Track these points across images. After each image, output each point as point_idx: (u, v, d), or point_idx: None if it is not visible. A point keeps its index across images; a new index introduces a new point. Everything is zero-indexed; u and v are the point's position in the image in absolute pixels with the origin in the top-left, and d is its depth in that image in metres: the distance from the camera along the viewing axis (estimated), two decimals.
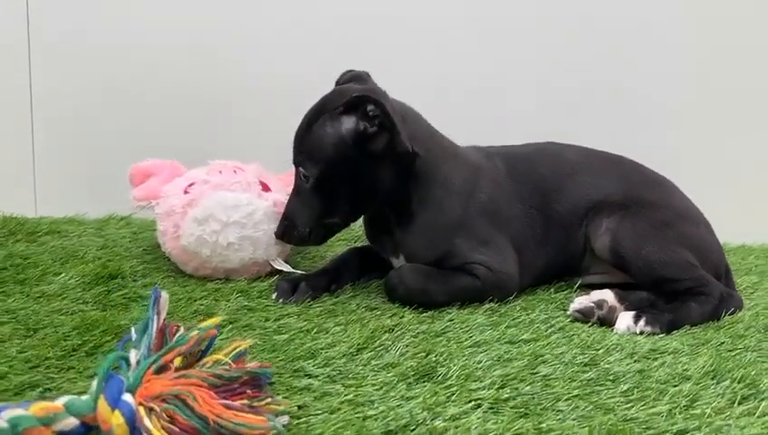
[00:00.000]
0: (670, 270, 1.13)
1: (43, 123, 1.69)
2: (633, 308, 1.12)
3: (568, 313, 1.11)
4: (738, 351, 1.01)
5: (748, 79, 1.83)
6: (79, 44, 1.67)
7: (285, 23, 1.73)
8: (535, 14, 1.79)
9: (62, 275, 1.12)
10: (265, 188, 1.20)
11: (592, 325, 1.09)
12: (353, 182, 1.09)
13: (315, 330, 0.98)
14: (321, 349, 0.90)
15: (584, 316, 1.09)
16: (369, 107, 1.04)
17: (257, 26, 1.72)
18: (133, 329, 0.73)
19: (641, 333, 1.06)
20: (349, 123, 1.06)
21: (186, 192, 1.16)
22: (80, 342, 0.86)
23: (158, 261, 1.25)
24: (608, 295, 1.12)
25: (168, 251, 1.18)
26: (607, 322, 1.10)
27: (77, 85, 1.68)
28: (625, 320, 1.07)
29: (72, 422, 0.61)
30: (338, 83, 1.18)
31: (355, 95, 1.05)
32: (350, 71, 1.19)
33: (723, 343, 1.04)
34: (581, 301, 1.11)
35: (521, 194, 1.21)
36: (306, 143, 1.09)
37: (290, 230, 1.11)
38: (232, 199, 1.13)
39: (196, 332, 0.71)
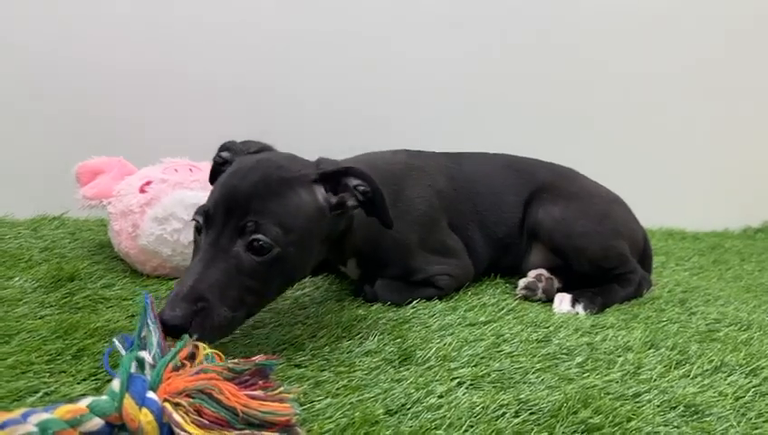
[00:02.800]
0: (608, 262, 1.27)
1: None
2: (564, 280, 1.27)
3: (516, 291, 1.24)
4: (664, 323, 1.15)
5: (644, 78, 2.02)
6: (3, 42, 1.59)
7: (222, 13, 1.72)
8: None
9: (16, 279, 1.08)
10: None
11: (537, 304, 1.21)
12: (302, 258, 0.92)
13: (290, 323, 1.01)
14: (304, 341, 0.94)
15: (530, 291, 1.23)
16: (356, 181, 0.94)
17: (196, 17, 1.71)
18: (116, 340, 0.74)
19: (578, 313, 1.18)
20: (322, 193, 0.93)
21: (142, 191, 1.15)
22: (62, 345, 0.85)
23: (110, 261, 1.23)
24: (542, 270, 1.27)
25: (125, 251, 1.16)
26: (548, 293, 1.23)
27: (1, 83, 1.60)
28: (565, 303, 1.19)
29: (97, 423, 0.63)
30: (239, 151, 1.00)
31: (340, 167, 0.94)
32: (254, 141, 1.05)
33: (650, 316, 1.18)
34: (524, 280, 1.25)
35: (457, 194, 1.28)
36: (275, 207, 0.87)
37: (204, 317, 0.79)
38: (192, 198, 1.14)
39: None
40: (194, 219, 0.89)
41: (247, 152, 0.99)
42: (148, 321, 0.76)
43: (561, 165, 1.42)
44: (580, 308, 1.19)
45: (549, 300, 1.22)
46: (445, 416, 0.75)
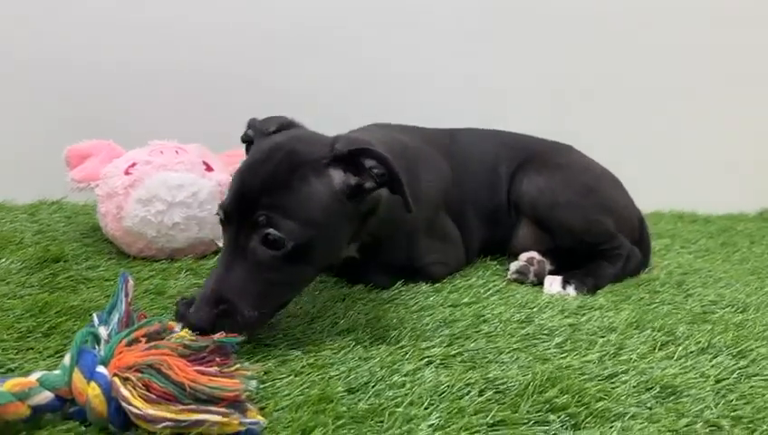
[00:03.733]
0: (591, 237, 1.24)
1: None
2: (556, 262, 1.24)
3: (507, 275, 1.21)
4: (656, 304, 1.12)
5: (656, 59, 1.97)
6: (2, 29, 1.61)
7: None
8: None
9: (2, 259, 1.10)
10: (208, 168, 1.21)
11: (526, 286, 1.18)
12: (329, 246, 0.90)
13: None
14: (279, 320, 0.94)
15: (522, 275, 1.20)
16: (370, 162, 0.88)
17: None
18: (95, 315, 0.75)
19: (568, 295, 1.15)
20: (338, 176, 0.88)
21: (127, 173, 1.16)
22: (34, 323, 0.86)
23: (99, 244, 1.24)
24: (534, 253, 1.24)
25: (111, 233, 1.17)
26: (540, 276, 1.20)
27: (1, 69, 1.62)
28: (555, 285, 1.17)
29: (47, 396, 0.63)
30: (260, 130, 0.98)
31: (353, 148, 0.88)
32: (275, 117, 1.01)
33: (642, 298, 1.14)
34: (516, 263, 1.22)
35: (454, 175, 1.26)
36: (284, 199, 0.84)
37: (228, 318, 0.78)
38: (176, 179, 1.14)
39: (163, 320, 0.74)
40: (217, 214, 0.89)
41: (266, 132, 0.96)
42: (120, 299, 0.76)
43: (558, 141, 1.39)
44: (571, 289, 1.16)
45: (541, 283, 1.20)
46: (407, 394, 0.74)
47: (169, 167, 1.16)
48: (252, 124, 1.00)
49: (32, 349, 0.80)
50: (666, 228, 1.72)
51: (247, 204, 0.83)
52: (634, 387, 0.80)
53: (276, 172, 0.85)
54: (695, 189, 1.96)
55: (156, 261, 1.17)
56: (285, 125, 0.98)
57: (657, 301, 1.13)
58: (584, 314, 1.04)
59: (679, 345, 0.93)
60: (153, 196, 1.13)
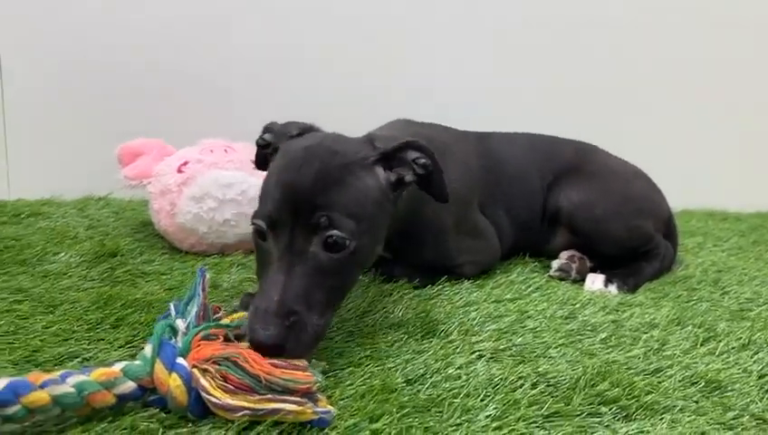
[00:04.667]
0: (633, 242, 1.27)
1: (15, 106, 1.67)
2: (596, 259, 1.26)
3: (550, 274, 1.24)
4: (694, 302, 1.14)
5: (686, 56, 1.98)
6: (48, 27, 1.66)
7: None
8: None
9: (62, 254, 1.14)
10: None
11: (565, 283, 1.21)
12: (377, 241, 0.90)
13: None
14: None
15: (565, 272, 1.23)
16: (415, 154, 0.90)
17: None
18: (172, 305, 0.78)
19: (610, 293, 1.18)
20: (382, 173, 0.89)
21: (179, 171, 1.20)
22: (102, 315, 0.91)
23: (151, 239, 1.28)
24: (574, 251, 1.27)
25: (164, 229, 1.21)
26: (582, 273, 1.22)
27: (47, 69, 1.67)
28: (598, 283, 1.19)
29: (130, 386, 0.67)
30: (281, 134, 0.95)
31: (400, 142, 0.89)
32: (294, 122, 0.98)
33: (680, 295, 1.17)
34: (558, 261, 1.24)
35: (487, 175, 1.26)
36: (342, 197, 0.82)
37: (298, 331, 0.74)
38: (227, 177, 1.18)
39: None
40: (253, 224, 0.84)
41: (289, 136, 0.93)
42: (198, 292, 0.80)
43: (582, 141, 1.41)
44: (613, 288, 1.19)
45: (582, 280, 1.22)
46: (462, 386, 0.77)
47: (220, 165, 1.20)
48: (270, 128, 0.97)
49: (102, 340, 0.85)
50: (697, 226, 1.74)
51: (302, 206, 0.79)
52: (680, 381, 0.83)
53: (327, 170, 0.82)
54: (724, 187, 1.97)
55: (207, 256, 1.21)
56: (307, 129, 0.96)
57: (695, 298, 1.16)
58: (625, 311, 1.06)
59: (720, 341, 0.96)
60: (205, 193, 1.17)
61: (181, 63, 1.73)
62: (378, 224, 0.88)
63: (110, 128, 1.64)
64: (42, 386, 0.62)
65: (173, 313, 0.76)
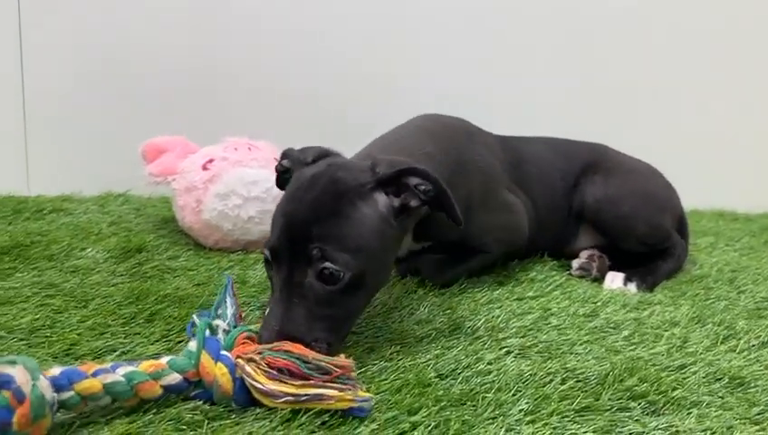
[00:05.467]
0: (654, 239, 1.29)
1: (35, 103, 1.68)
2: (613, 258, 1.28)
3: (571, 272, 1.26)
4: (712, 300, 1.16)
5: (697, 56, 1.99)
6: (69, 25, 1.67)
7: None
8: None
9: (89, 249, 1.16)
10: None
11: (585, 281, 1.22)
12: (381, 269, 0.89)
13: None
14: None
15: (585, 271, 1.24)
16: (416, 180, 0.86)
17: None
18: (195, 316, 0.80)
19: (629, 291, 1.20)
20: (383, 200, 0.86)
21: (204, 168, 1.21)
22: (136, 310, 0.92)
23: (174, 235, 1.30)
24: (595, 251, 1.29)
25: (189, 225, 1.23)
26: (602, 271, 1.24)
27: (67, 67, 1.69)
28: (617, 281, 1.21)
29: (175, 377, 0.69)
30: (298, 161, 0.94)
31: (398, 169, 0.86)
32: (312, 147, 0.97)
33: (698, 294, 1.19)
34: (578, 261, 1.26)
35: (513, 169, 1.27)
36: (336, 229, 0.81)
37: None
38: (252, 175, 1.20)
39: None
40: (262, 252, 0.86)
41: (305, 163, 0.93)
42: (227, 298, 0.82)
43: (594, 142, 1.42)
44: (632, 286, 1.20)
45: (602, 278, 1.24)
46: (494, 381, 0.79)
47: (245, 163, 1.22)
48: (287, 154, 0.97)
49: (138, 334, 0.86)
50: (708, 226, 1.76)
51: (298, 237, 0.80)
52: (704, 377, 0.85)
53: (322, 201, 0.83)
54: (733, 188, 1.99)
55: (232, 252, 1.23)
56: (322, 155, 0.94)
57: (713, 297, 1.17)
58: (645, 309, 1.08)
59: (740, 339, 0.98)
60: (230, 190, 1.19)
61: (200, 63, 1.74)
62: (379, 252, 0.86)
63: (127, 126, 1.66)
64: (94, 374, 0.64)
65: (197, 322, 0.76)
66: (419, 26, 1.85)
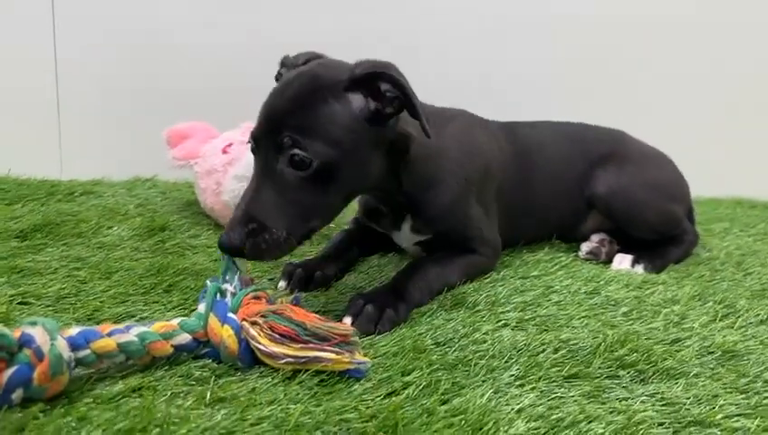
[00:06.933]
0: (666, 227, 1.30)
1: (69, 93, 1.77)
2: (621, 241, 1.30)
3: (581, 255, 1.27)
4: (716, 281, 1.18)
5: (716, 46, 1.99)
6: (102, 12, 1.75)
7: None
8: None
9: (115, 228, 1.23)
10: None
11: (591, 263, 1.25)
12: (355, 171, 0.91)
13: (354, 274, 1.13)
14: (365, 287, 1.04)
15: (594, 255, 1.27)
16: (385, 86, 0.88)
17: None
18: (209, 281, 0.84)
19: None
20: (357, 102, 0.89)
21: (224, 152, 1.27)
22: (155, 281, 0.98)
23: (196, 216, 1.36)
24: (604, 235, 1.31)
25: (210, 206, 1.29)
26: (610, 255, 1.26)
27: (99, 59, 1.77)
28: (625, 263, 1.23)
29: (185, 337, 0.74)
30: (290, 65, 1.00)
31: (367, 70, 0.88)
32: (307, 52, 1.02)
33: (703, 275, 1.20)
34: (588, 244, 1.28)
35: (514, 161, 1.24)
36: (307, 120, 0.86)
37: (257, 235, 0.82)
38: None
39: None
40: (249, 142, 0.92)
41: (296, 65, 0.98)
42: (230, 265, 0.87)
43: (610, 128, 1.42)
44: (639, 268, 1.22)
45: (610, 261, 1.26)
46: (488, 349, 0.83)
47: None
48: (284, 62, 1.02)
49: (156, 302, 0.92)
50: (725, 213, 1.76)
51: (273, 127, 0.87)
52: (697, 350, 0.87)
53: (298, 95, 0.88)
54: (753, 176, 1.98)
55: None
56: (313, 57, 0.99)
57: (718, 278, 1.19)
58: (648, 288, 1.10)
59: (739, 317, 1.00)
60: (248, 173, 1.23)
61: (222, 54, 1.80)
62: (353, 149, 0.89)
63: (154, 114, 1.72)
64: (109, 334, 0.70)
65: (209, 286, 0.81)
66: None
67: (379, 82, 0.88)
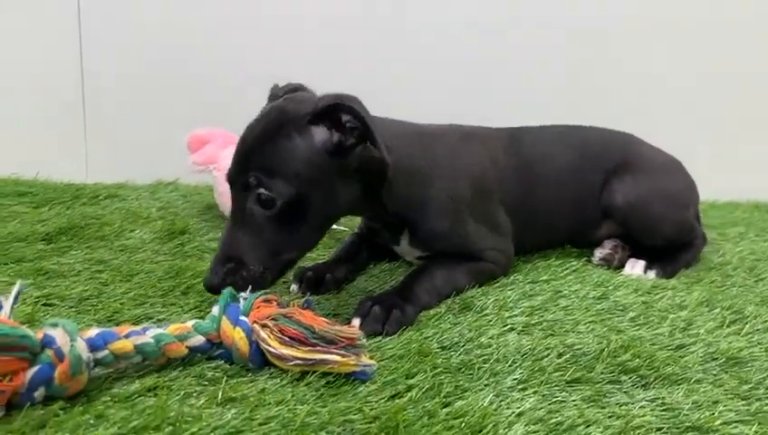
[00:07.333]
0: (680, 235, 1.30)
1: (94, 99, 1.83)
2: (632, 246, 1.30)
3: (593, 261, 1.28)
4: (727, 287, 1.18)
5: (734, 49, 1.98)
6: (127, 19, 1.81)
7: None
8: None
9: (137, 231, 1.27)
10: None
11: (602, 268, 1.25)
12: (324, 203, 0.92)
13: (364, 279, 1.16)
14: (375, 291, 1.07)
15: (607, 262, 1.27)
16: (345, 117, 0.89)
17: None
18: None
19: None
20: (321, 135, 0.90)
21: None
22: (173, 284, 1.02)
23: (215, 220, 1.40)
24: (618, 241, 1.31)
25: (228, 211, 1.32)
26: (622, 261, 1.27)
27: (123, 67, 1.82)
28: (638, 268, 1.24)
29: (199, 339, 0.77)
30: (273, 97, 1.03)
31: (327, 103, 0.89)
32: (288, 84, 1.05)
33: (714, 280, 1.21)
34: (601, 251, 1.29)
35: (516, 173, 1.23)
36: (270, 158, 0.89)
37: (235, 274, 0.87)
38: None
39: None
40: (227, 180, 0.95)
41: (276, 97, 1.00)
42: None
43: (620, 132, 1.40)
44: (651, 274, 1.23)
45: (622, 266, 1.27)
46: (492, 353, 0.85)
47: None
48: (271, 91, 1.05)
49: (174, 304, 0.96)
50: (741, 217, 1.75)
51: (242, 166, 0.90)
52: (701, 357, 0.88)
53: (265, 132, 0.90)
54: None
55: None
56: (292, 89, 1.01)
57: (729, 283, 1.20)
58: (657, 294, 1.11)
59: (746, 323, 1.00)
60: None
61: (241, 61, 1.84)
62: (318, 181, 0.90)
63: (176, 120, 1.77)
64: (126, 336, 0.73)
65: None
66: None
67: (339, 113, 0.89)
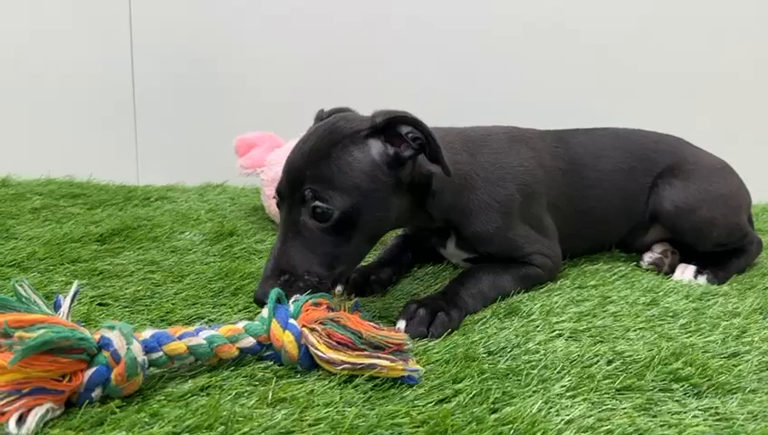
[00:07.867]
0: (732, 239, 1.27)
1: (144, 104, 1.88)
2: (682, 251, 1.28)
3: (642, 266, 1.27)
4: None
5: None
6: (177, 27, 1.85)
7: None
8: None
9: (187, 233, 1.30)
10: None
11: (650, 273, 1.23)
12: (377, 215, 0.93)
13: (410, 282, 1.16)
14: (420, 293, 1.07)
15: (657, 267, 1.26)
16: (406, 129, 0.92)
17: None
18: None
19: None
20: (377, 147, 0.92)
21: None
22: (223, 285, 1.04)
23: (262, 221, 1.43)
24: (667, 245, 1.29)
25: (274, 213, 1.35)
26: (672, 266, 1.25)
27: (173, 71, 1.88)
28: (688, 273, 1.22)
29: (250, 341, 0.79)
30: (319, 119, 1.05)
31: (388, 117, 0.91)
32: (337, 108, 1.07)
33: (767, 287, 1.17)
34: (651, 255, 1.27)
35: (563, 176, 1.22)
36: (327, 171, 0.90)
37: (291, 285, 0.87)
38: None
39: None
40: (275, 197, 0.97)
41: (321, 118, 1.03)
42: None
43: (670, 135, 1.37)
44: (702, 279, 1.20)
45: (672, 272, 1.25)
46: (540, 359, 0.84)
47: None
48: (317, 115, 1.07)
49: (224, 305, 0.98)
50: None
51: (295, 181, 0.91)
52: (756, 365, 0.86)
53: (318, 147, 0.92)
54: None
55: None
56: (336, 111, 1.04)
57: None
58: (709, 300, 1.09)
59: None
60: None
61: (286, 66, 1.87)
62: (373, 194, 0.92)
63: (225, 124, 1.81)
64: (180, 338, 0.75)
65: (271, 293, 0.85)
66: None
67: (400, 126, 0.91)
